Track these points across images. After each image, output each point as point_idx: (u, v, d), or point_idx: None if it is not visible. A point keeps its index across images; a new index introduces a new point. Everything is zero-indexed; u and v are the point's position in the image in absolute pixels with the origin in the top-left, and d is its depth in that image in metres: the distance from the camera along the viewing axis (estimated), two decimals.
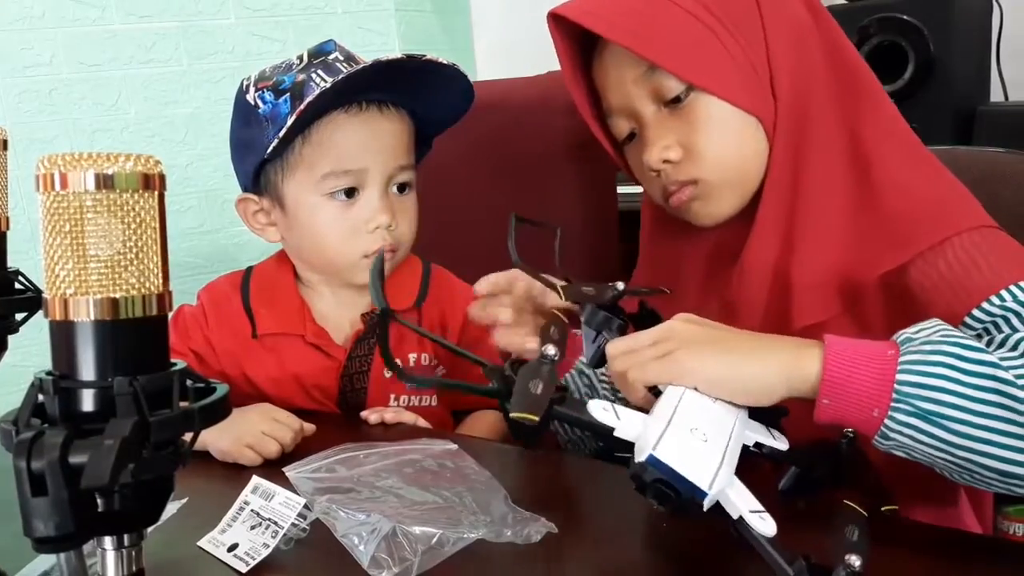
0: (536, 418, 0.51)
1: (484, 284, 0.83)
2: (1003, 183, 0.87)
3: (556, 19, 0.78)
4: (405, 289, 1.03)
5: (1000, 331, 0.64)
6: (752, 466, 0.60)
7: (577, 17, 0.75)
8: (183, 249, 1.72)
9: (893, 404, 0.57)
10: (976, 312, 0.66)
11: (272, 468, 0.81)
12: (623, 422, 0.56)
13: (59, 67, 1.62)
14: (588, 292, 0.71)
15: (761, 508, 0.52)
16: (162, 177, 0.42)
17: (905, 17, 1.40)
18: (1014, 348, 0.59)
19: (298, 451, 0.85)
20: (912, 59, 1.40)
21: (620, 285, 0.71)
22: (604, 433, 0.56)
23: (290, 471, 0.72)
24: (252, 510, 0.67)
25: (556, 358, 0.56)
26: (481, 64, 2.01)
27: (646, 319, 0.70)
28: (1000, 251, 0.69)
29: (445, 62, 0.89)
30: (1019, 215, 0.81)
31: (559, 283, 0.75)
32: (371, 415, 0.93)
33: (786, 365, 0.61)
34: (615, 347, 0.66)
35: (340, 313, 1.02)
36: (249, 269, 1.05)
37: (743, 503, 0.52)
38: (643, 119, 0.78)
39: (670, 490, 0.52)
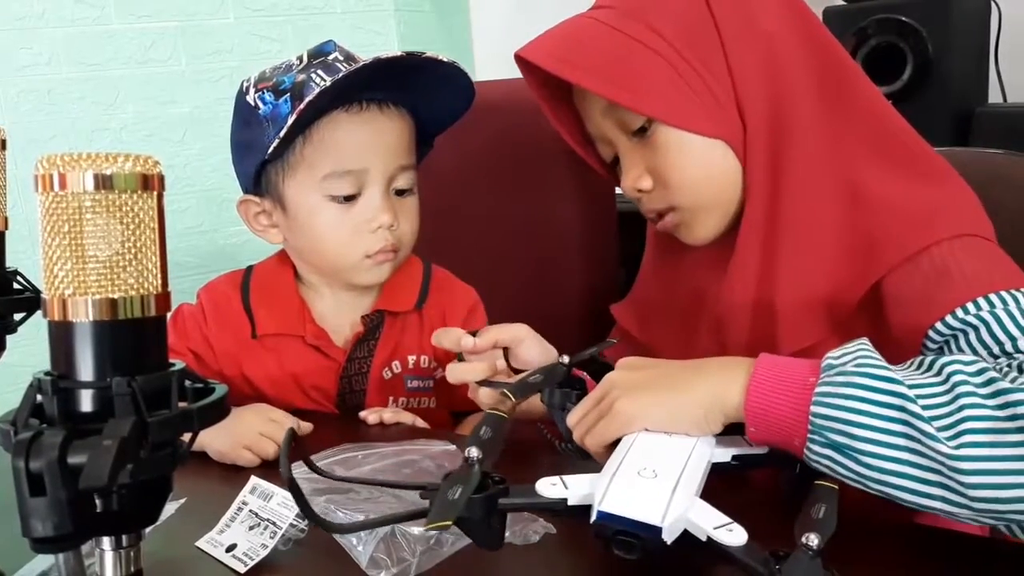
0: (449, 522, 0.51)
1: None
2: (1001, 185, 0.87)
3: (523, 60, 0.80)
4: (406, 291, 1.03)
5: (958, 345, 0.64)
6: (740, 479, 0.60)
7: (536, 59, 0.76)
8: (181, 249, 1.72)
9: (809, 436, 0.57)
10: (939, 325, 0.65)
11: (270, 469, 0.81)
12: (572, 490, 0.56)
13: (58, 66, 1.62)
14: (536, 381, 0.72)
15: (727, 521, 0.52)
16: (161, 178, 0.42)
17: (903, 19, 1.41)
18: (938, 373, 0.57)
19: (296, 451, 0.85)
20: (910, 60, 1.41)
21: (565, 358, 0.74)
22: (560, 509, 0.56)
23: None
24: (250, 510, 0.67)
25: (480, 458, 0.56)
26: (480, 65, 2.01)
27: (600, 373, 0.71)
28: (977, 260, 0.67)
29: (445, 59, 0.89)
30: (1017, 217, 0.81)
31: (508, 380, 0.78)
32: (369, 415, 0.93)
33: (713, 395, 0.61)
34: (570, 420, 0.68)
35: (340, 314, 1.02)
36: (249, 268, 1.05)
37: (707, 522, 0.52)
38: (618, 147, 0.80)
39: (631, 537, 0.53)
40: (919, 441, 0.54)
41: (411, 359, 1.02)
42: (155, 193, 0.41)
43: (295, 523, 0.65)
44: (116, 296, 0.40)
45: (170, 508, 0.72)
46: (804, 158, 0.73)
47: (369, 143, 0.93)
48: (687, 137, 0.75)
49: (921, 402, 0.55)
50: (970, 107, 1.43)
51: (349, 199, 0.93)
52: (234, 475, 0.81)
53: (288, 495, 0.66)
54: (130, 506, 0.41)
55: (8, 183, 0.68)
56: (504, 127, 1.26)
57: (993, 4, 1.51)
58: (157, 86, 1.69)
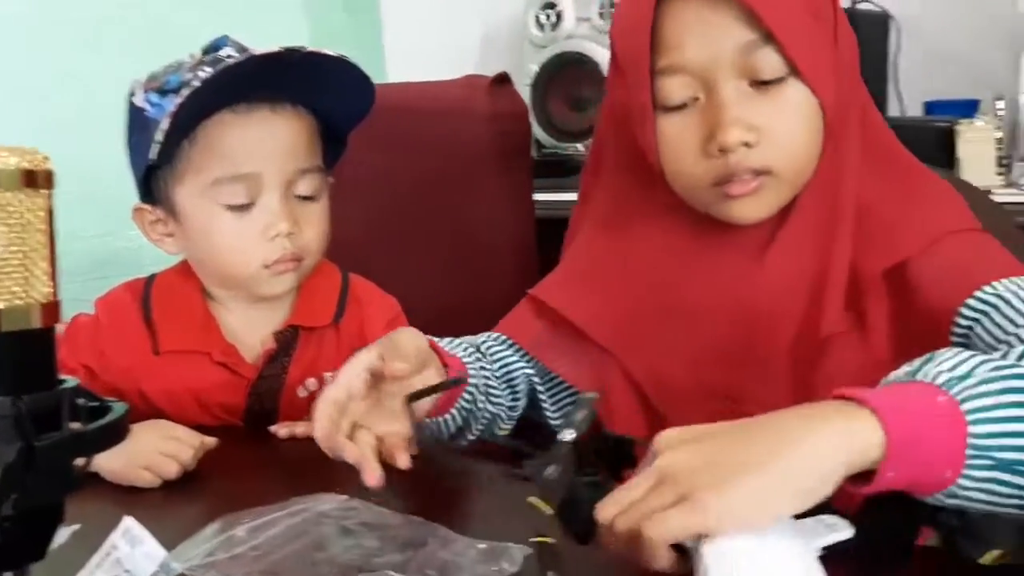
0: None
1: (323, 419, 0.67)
2: None
3: None
4: (322, 304, 0.98)
5: (983, 326, 0.66)
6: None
7: None
8: (70, 252, 1.63)
9: (969, 462, 0.51)
10: (963, 307, 0.67)
11: (172, 489, 0.77)
12: None
13: None
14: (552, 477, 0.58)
15: None
16: (50, 174, 0.39)
17: None
18: None
19: (201, 466, 0.81)
20: None
21: (568, 435, 0.58)
22: None
23: (181, 564, 0.60)
24: (116, 558, 0.58)
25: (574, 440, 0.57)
26: (392, 65, 1.99)
27: (623, 448, 0.61)
28: (991, 251, 0.72)
29: (331, 54, 0.85)
30: None
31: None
32: (280, 429, 0.90)
33: (834, 447, 0.52)
34: (607, 509, 0.53)
35: (251, 330, 0.97)
36: (151, 277, 0.99)
37: None
38: (719, 92, 0.71)
39: None
40: None
41: (328, 376, 0.97)
42: (43, 192, 0.39)
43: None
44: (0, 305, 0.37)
45: (63, 535, 0.66)
46: (847, 142, 0.75)
47: (260, 145, 0.88)
48: (811, 101, 0.72)
49: None
50: None
51: (243, 207, 0.89)
52: (133, 497, 0.76)
53: (156, 546, 0.58)
54: (14, 540, 0.39)
55: None
56: (420, 131, 1.26)
57: (889, 21, 1.58)
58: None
